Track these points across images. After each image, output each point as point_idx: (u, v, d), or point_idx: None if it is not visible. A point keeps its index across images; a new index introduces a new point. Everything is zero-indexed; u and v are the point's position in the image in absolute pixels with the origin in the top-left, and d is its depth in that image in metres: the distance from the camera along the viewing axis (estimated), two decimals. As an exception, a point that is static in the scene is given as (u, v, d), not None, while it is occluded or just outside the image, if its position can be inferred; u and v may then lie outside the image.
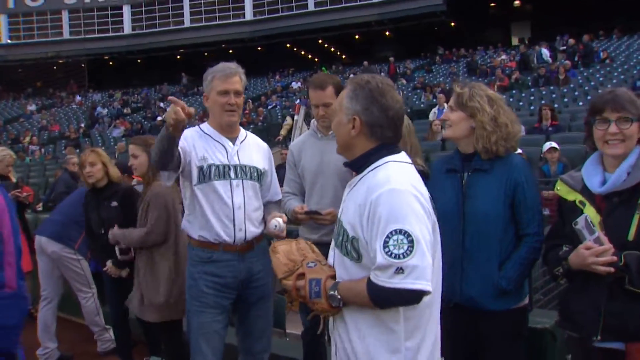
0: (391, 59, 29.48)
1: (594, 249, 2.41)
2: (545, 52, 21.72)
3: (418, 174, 2.28)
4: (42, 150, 24.45)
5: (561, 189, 2.69)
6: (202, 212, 3.42)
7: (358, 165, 2.26)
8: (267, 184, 3.68)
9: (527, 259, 2.89)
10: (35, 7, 38.90)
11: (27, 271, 6.53)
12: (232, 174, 3.44)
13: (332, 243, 2.33)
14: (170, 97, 3.31)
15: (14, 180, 7.16)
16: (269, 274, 3.49)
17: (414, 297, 2.05)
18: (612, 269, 2.38)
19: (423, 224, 2.07)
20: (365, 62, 28.46)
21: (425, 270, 2.04)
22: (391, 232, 2.01)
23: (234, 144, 3.51)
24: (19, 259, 2.07)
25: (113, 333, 5.50)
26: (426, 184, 2.25)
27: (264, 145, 3.74)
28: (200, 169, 3.41)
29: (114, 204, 4.94)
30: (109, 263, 4.87)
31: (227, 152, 3.47)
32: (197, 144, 3.44)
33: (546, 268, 4.02)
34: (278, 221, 3.38)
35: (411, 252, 2.00)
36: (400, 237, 2.01)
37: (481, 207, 2.90)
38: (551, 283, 4.33)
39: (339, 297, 2.16)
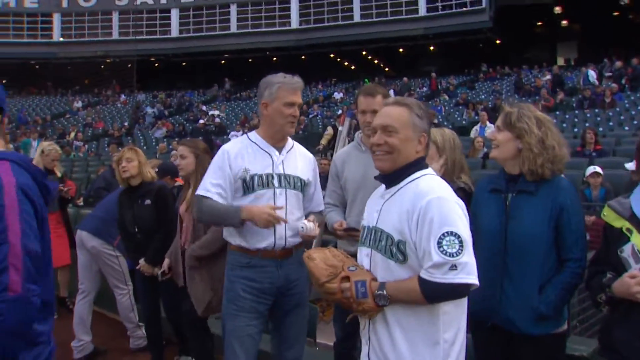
0: (433, 74, 29.40)
1: (639, 278, 2.38)
2: (592, 74, 21.34)
3: (461, 191, 2.56)
4: (86, 146, 24.93)
5: (608, 215, 2.64)
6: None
7: (396, 177, 2.49)
8: (310, 194, 3.70)
9: (569, 283, 2.86)
10: (87, 7, 39.77)
11: (66, 264, 6.71)
12: (276, 183, 3.48)
13: (364, 250, 2.55)
14: (274, 215, 3.36)
15: (59, 174, 7.31)
16: (306, 282, 3.53)
17: (465, 290, 2.33)
18: None
19: (468, 228, 2.35)
20: (405, 79, 28.41)
21: (473, 267, 2.31)
22: (444, 234, 2.27)
23: (280, 153, 3.55)
24: (33, 262, 2.00)
25: (145, 331, 5.58)
26: (469, 202, 2.36)
27: (310, 155, 3.76)
28: (244, 180, 3.46)
29: (147, 202, 5.04)
30: (141, 261, 4.97)
31: (272, 161, 3.51)
32: (241, 156, 3.49)
33: (584, 294, 3.98)
34: (304, 223, 3.43)
35: (462, 251, 2.27)
36: (452, 238, 2.27)
37: (524, 229, 2.88)
38: (589, 310, 4.25)
39: (387, 296, 2.35)
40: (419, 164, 2.51)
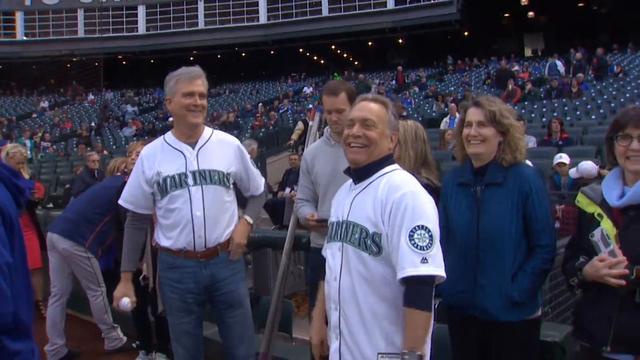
0: (399, 68, 29.55)
1: (608, 261, 2.44)
2: (559, 64, 21.64)
3: (426, 187, 2.56)
4: (54, 147, 24.57)
5: (581, 201, 2.71)
6: (165, 223, 3.51)
7: (366, 172, 2.55)
8: (244, 182, 3.70)
9: (539, 269, 2.92)
10: (51, 5, 39.14)
11: (38, 268, 6.61)
12: (190, 181, 3.46)
13: (334, 245, 2.57)
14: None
15: (26, 176, 7.19)
16: (239, 280, 3.58)
17: (433, 282, 2.37)
18: (623, 282, 2.40)
19: (437, 223, 2.43)
20: (361, 76, 28.49)
21: (442, 260, 2.39)
22: (415, 228, 2.35)
23: (193, 148, 3.52)
24: (3, 277, 1.80)
25: (135, 326, 5.52)
26: (436, 198, 2.51)
27: (234, 142, 3.68)
28: (158, 184, 3.48)
29: None
30: None
31: (185, 159, 3.48)
32: (154, 160, 3.53)
33: (556, 281, 4.06)
34: (123, 302, 3.59)
35: (432, 244, 2.35)
36: (423, 232, 2.35)
37: (495, 222, 2.93)
38: (561, 297, 4.32)
39: (418, 353, 2.30)
40: (388, 160, 2.59)
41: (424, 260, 2.32)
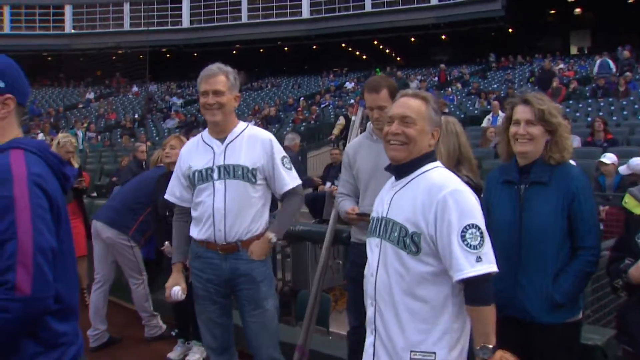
0: (442, 66, 29.21)
1: None
2: (611, 63, 20.97)
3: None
4: (99, 137, 25.06)
5: (629, 202, 2.67)
6: (194, 215, 3.64)
7: (407, 169, 2.52)
8: (270, 180, 3.63)
9: (582, 272, 2.88)
10: (98, -2, 39.93)
11: (83, 255, 6.77)
12: (215, 175, 3.53)
13: (373, 241, 2.58)
14: None
15: (76, 166, 7.35)
16: (260, 280, 3.58)
17: (491, 276, 2.38)
18: None
19: (482, 217, 2.41)
20: (399, 73, 28.35)
21: (492, 255, 2.39)
22: (465, 227, 2.33)
23: (223, 143, 3.58)
24: (47, 259, 1.85)
25: (174, 315, 5.63)
26: (478, 197, 2.47)
27: (265, 137, 3.66)
28: (189, 177, 3.62)
29: None
30: (167, 243, 5.05)
31: (213, 154, 3.57)
32: (189, 155, 3.68)
33: (598, 284, 3.99)
34: (174, 290, 3.64)
35: (483, 242, 2.34)
36: (474, 230, 2.34)
37: (539, 220, 2.89)
38: (603, 300, 4.25)
39: (490, 346, 2.35)
40: (430, 157, 2.55)
41: (479, 259, 2.32)
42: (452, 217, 2.33)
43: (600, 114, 14.56)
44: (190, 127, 21.72)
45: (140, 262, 5.82)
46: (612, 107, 15.97)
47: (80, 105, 34.70)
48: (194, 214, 3.63)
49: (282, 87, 34.73)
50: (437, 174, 2.48)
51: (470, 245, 2.31)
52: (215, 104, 3.50)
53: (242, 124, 3.68)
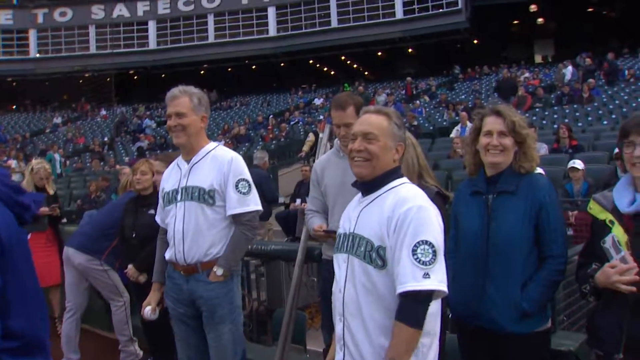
0: (408, 79, 29.49)
1: (618, 268, 2.44)
2: (570, 70, 21.43)
3: (439, 195, 2.75)
4: (67, 162, 24.74)
5: (593, 208, 2.72)
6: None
7: (374, 185, 2.53)
8: (225, 199, 3.57)
9: (550, 280, 2.91)
10: (63, 22, 39.51)
11: (57, 284, 6.66)
12: (179, 197, 3.58)
13: (340, 257, 2.57)
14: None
15: (51, 192, 7.24)
16: (216, 303, 3.57)
17: (435, 297, 2.37)
18: (634, 289, 2.40)
19: (442, 238, 2.40)
20: (360, 87, 28.61)
21: (444, 275, 2.37)
22: (419, 242, 2.32)
23: (188, 164, 3.63)
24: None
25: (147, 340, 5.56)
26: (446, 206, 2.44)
27: (226, 157, 3.63)
28: (162, 199, 3.72)
29: (151, 212, 5.08)
30: (130, 266, 5.05)
31: (180, 176, 3.62)
32: (164, 178, 3.81)
33: (570, 289, 4.03)
34: (145, 310, 3.79)
35: (435, 260, 2.32)
36: (426, 247, 2.32)
37: (506, 229, 2.92)
38: (575, 304, 4.29)
39: None
40: (396, 173, 2.56)
41: (426, 275, 2.30)
42: (408, 231, 2.34)
43: (566, 120, 14.81)
44: (165, 148, 21.62)
45: (119, 284, 5.74)
46: (577, 114, 16.28)
47: (48, 130, 34.25)
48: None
49: (251, 106, 34.73)
50: (404, 190, 2.49)
51: (420, 261, 2.31)
52: (178, 126, 3.54)
53: (210, 145, 3.70)
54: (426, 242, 2.32)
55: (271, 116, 27.84)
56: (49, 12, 39.42)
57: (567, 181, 8.95)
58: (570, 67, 21.98)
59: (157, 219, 3.87)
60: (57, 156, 21.42)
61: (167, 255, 3.65)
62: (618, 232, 2.53)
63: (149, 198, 5.19)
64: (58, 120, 36.28)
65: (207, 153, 3.63)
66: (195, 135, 3.60)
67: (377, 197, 2.51)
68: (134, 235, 5.15)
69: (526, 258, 2.91)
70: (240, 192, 3.56)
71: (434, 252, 2.32)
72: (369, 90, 30.42)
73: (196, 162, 3.61)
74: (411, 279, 2.30)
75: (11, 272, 1.87)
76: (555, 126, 14.47)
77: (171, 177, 3.69)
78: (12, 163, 19.52)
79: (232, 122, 27.08)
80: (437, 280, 2.32)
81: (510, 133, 3.00)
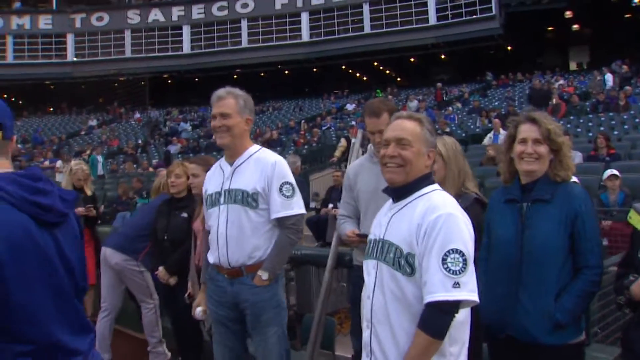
0: (439, 85, 29.31)
1: None
2: (609, 78, 20.96)
3: (477, 202, 2.76)
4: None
5: (633, 218, 2.66)
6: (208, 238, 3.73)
7: (405, 192, 2.52)
8: (268, 203, 3.55)
9: (585, 291, 2.85)
10: (100, 26, 40.15)
11: (91, 284, 6.74)
12: (222, 200, 3.57)
13: (370, 263, 2.56)
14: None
15: (89, 193, 7.35)
16: (262, 307, 3.56)
17: (462, 307, 2.35)
18: None
19: (472, 247, 2.37)
20: (390, 97, 28.51)
21: (475, 285, 2.35)
22: (449, 251, 2.30)
23: (232, 166, 3.62)
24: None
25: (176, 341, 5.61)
26: (482, 214, 2.40)
27: (271, 160, 3.60)
28: (205, 201, 3.72)
29: (184, 215, 5.16)
30: (160, 268, 5.10)
31: (223, 178, 3.61)
32: (207, 180, 3.80)
33: (605, 300, 3.95)
34: (197, 311, 3.89)
35: (465, 269, 2.30)
36: (457, 255, 2.30)
37: (540, 238, 2.88)
38: (610, 316, 4.21)
39: None
40: (428, 179, 2.55)
41: (456, 285, 2.28)
42: (437, 239, 2.31)
43: (602, 128, 14.56)
44: (198, 151, 21.77)
45: (151, 286, 5.81)
46: (613, 122, 15.98)
47: (83, 133, 34.82)
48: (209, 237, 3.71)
49: (283, 110, 34.84)
50: (436, 196, 2.47)
51: (450, 270, 2.28)
52: (223, 127, 3.54)
53: (254, 147, 3.69)
54: (456, 251, 2.30)
55: (303, 121, 27.90)
56: (87, 17, 40.10)
57: (602, 191, 8.78)
58: (609, 74, 21.57)
59: (206, 222, 3.85)
60: (100, 157, 21.68)
61: (211, 258, 3.65)
62: None
63: (183, 201, 5.23)
64: (93, 122, 36.88)
65: (251, 156, 3.63)
66: (239, 137, 3.61)
67: (408, 204, 2.50)
68: (165, 237, 5.19)
69: (561, 268, 2.87)
70: (284, 196, 3.55)
71: (464, 261, 2.30)
72: (402, 96, 30.32)
73: (239, 165, 3.60)
74: (441, 289, 2.28)
75: (13, 280, 1.86)
76: (591, 134, 14.24)
77: (214, 179, 3.68)
78: (58, 163, 19.91)
79: (264, 127, 27.19)
80: (467, 289, 2.30)
81: (546, 141, 2.96)
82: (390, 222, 2.52)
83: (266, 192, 3.53)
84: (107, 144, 30.13)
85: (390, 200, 2.63)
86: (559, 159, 2.98)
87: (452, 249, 2.30)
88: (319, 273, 5.87)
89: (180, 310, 5.09)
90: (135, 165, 21.92)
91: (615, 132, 14.41)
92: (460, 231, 2.35)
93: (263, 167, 3.57)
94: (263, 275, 3.51)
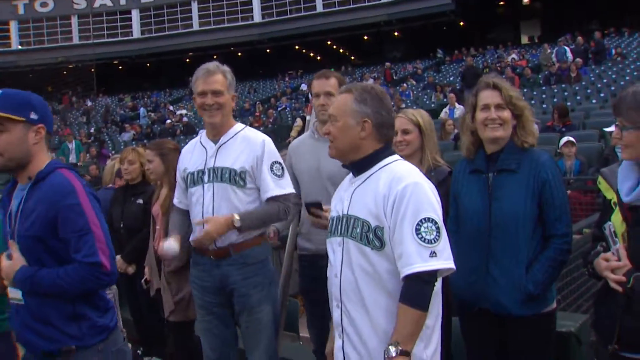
0: (387, 64, 29.32)
1: (609, 263, 2.33)
2: (568, 50, 21.03)
3: (449, 175, 2.88)
4: (54, 154, 24.46)
5: (601, 184, 2.55)
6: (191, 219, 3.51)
7: (364, 165, 2.44)
8: (259, 182, 3.41)
9: (555, 260, 2.80)
10: (44, 12, 39.08)
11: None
12: (206, 178, 3.39)
13: (335, 240, 2.46)
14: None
15: None
16: (254, 285, 3.39)
17: (440, 275, 2.30)
18: (620, 288, 2.28)
19: (441, 213, 2.33)
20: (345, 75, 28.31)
21: (450, 252, 2.29)
22: (421, 220, 2.24)
23: (216, 144, 3.44)
24: (108, 243, 2.52)
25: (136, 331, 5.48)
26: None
27: (257, 139, 3.46)
28: (184, 179, 3.51)
29: (140, 201, 5.05)
30: (118, 257, 4.90)
31: (206, 156, 3.42)
32: (186, 157, 3.57)
33: (567, 269, 3.94)
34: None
35: (439, 237, 2.25)
36: (429, 224, 2.24)
37: (509, 208, 2.81)
38: (572, 284, 4.22)
39: (401, 348, 2.20)
40: (387, 150, 2.47)
41: (433, 254, 2.22)
42: (408, 210, 2.25)
43: (555, 100, 14.75)
44: (152, 137, 21.39)
45: None
46: (566, 93, 16.22)
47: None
48: (191, 217, 3.49)
49: (237, 92, 34.35)
50: (399, 166, 2.40)
51: (425, 239, 2.23)
52: (215, 105, 3.36)
53: (238, 126, 3.53)
54: (429, 220, 2.24)
55: (258, 103, 27.63)
56: (30, 3, 39.07)
57: (558, 158, 8.87)
58: (555, 49, 21.75)
59: (176, 202, 3.64)
60: (71, 145, 20.97)
61: (193, 239, 3.43)
62: (616, 221, 2.37)
63: (138, 187, 5.09)
64: (42, 112, 35.92)
65: (237, 133, 3.46)
66: (228, 115, 3.46)
67: (370, 176, 2.41)
68: (121, 225, 5.05)
69: (530, 237, 2.80)
70: (276, 175, 3.43)
71: (437, 229, 2.25)
72: (357, 74, 30.27)
73: (224, 142, 3.43)
74: (418, 259, 2.21)
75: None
76: (545, 106, 14.43)
77: (195, 157, 3.48)
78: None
79: (218, 110, 26.80)
80: (444, 257, 2.25)
81: (508, 106, 2.89)
82: (353, 197, 2.43)
83: (254, 171, 3.39)
84: (58, 134, 29.40)
85: (350, 175, 2.54)
86: (521, 124, 2.91)
87: (424, 218, 2.24)
88: (280, 255, 5.78)
89: (139, 299, 4.95)
90: (87, 154, 21.37)
91: (568, 103, 14.62)
92: (429, 199, 2.30)
93: (252, 145, 3.42)
94: (236, 219, 3.28)
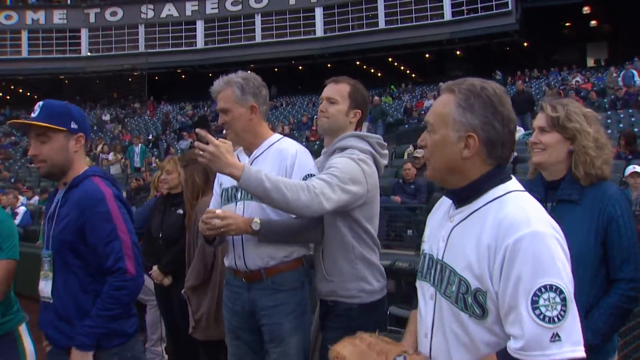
0: (441, 84, 28.83)
1: None
2: (636, 74, 20.21)
3: None
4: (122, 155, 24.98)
5: None
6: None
7: (466, 194, 1.89)
8: None
9: (619, 308, 2.49)
10: (114, 21, 40.21)
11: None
12: (239, 195, 3.14)
13: (427, 288, 1.97)
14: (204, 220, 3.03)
15: None
16: (286, 313, 3.09)
17: None
18: None
19: (569, 274, 1.74)
20: (376, 98, 27.95)
21: (580, 332, 1.71)
22: (540, 289, 1.67)
23: (249, 158, 3.21)
24: (136, 250, 2.67)
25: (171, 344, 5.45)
26: None
27: (290, 151, 3.15)
28: (221, 195, 3.30)
29: (180, 211, 4.96)
30: (154, 268, 4.91)
31: None
32: None
33: (635, 321, 3.62)
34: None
35: (565, 312, 1.67)
36: (552, 294, 1.67)
37: (569, 244, 2.57)
38: (635, 331, 3.90)
39: None
40: (498, 175, 1.88)
41: (555, 338, 1.66)
42: (523, 274, 1.68)
43: (621, 125, 14.21)
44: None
45: (150, 284, 5.60)
46: (633, 119, 15.61)
47: (95, 128, 34.83)
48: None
49: (296, 106, 34.64)
50: (513, 204, 1.81)
51: (545, 317, 1.65)
52: (225, 125, 3.16)
53: (274, 137, 3.27)
54: (550, 288, 1.67)
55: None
56: (101, 12, 40.23)
57: (623, 188, 8.41)
58: (622, 72, 21.00)
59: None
60: (137, 148, 21.45)
61: (226, 261, 3.24)
62: None
63: (177, 197, 5.02)
64: (106, 117, 36.86)
65: (271, 145, 3.21)
66: (247, 131, 3.18)
67: (473, 212, 1.87)
68: (160, 235, 5.01)
69: (592, 280, 2.51)
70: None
71: (563, 301, 1.67)
72: (417, 92, 30.00)
73: (257, 156, 3.19)
74: (535, 346, 1.66)
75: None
76: (610, 131, 13.89)
77: None
78: (110, 155, 20.09)
79: (276, 122, 27.00)
80: (571, 341, 1.67)
81: (554, 128, 2.61)
82: (451, 238, 1.90)
83: None
84: (119, 139, 30.06)
85: (449, 203, 2.01)
86: (576, 151, 2.58)
87: (544, 286, 1.67)
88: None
89: (174, 313, 4.88)
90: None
91: (636, 129, 14.05)
92: (552, 257, 1.71)
93: (285, 158, 3.13)
94: (254, 223, 2.98)
